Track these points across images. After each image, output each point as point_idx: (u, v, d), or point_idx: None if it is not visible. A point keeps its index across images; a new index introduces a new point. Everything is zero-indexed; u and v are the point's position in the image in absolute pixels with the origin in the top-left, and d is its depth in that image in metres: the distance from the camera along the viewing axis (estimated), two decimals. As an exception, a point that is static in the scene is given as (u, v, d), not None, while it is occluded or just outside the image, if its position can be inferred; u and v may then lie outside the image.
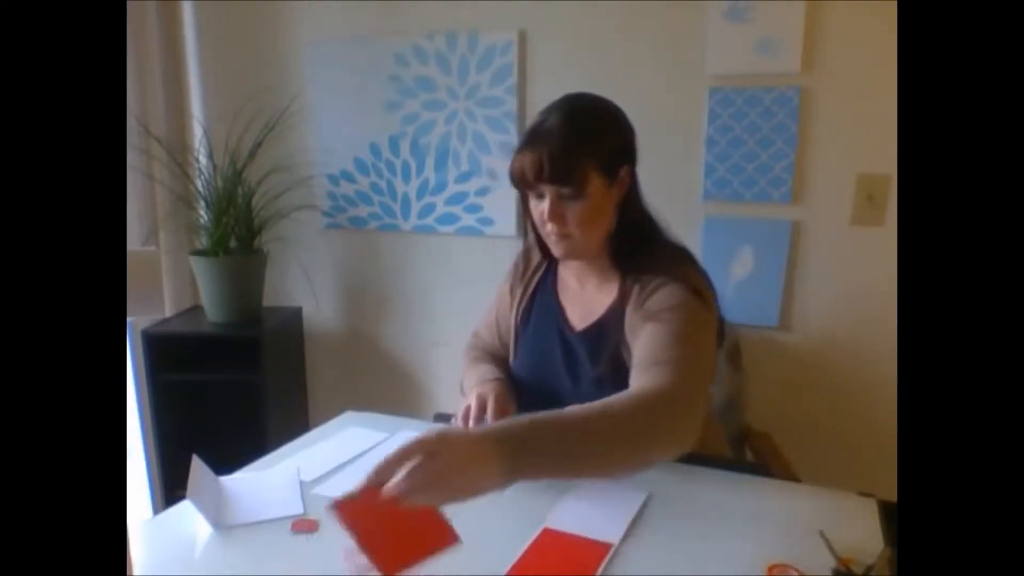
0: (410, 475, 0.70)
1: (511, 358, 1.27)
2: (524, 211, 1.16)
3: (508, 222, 1.95)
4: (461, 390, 1.25)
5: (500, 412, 1.07)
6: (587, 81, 1.79)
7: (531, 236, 1.23)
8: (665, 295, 1.06)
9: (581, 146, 1.03)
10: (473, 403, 1.08)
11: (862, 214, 1.67)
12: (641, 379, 0.96)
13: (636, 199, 1.13)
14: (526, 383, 1.21)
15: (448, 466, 0.71)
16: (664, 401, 0.91)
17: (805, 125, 1.67)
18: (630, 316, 1.08)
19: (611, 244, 1.13)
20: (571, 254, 1.13)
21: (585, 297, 1.18)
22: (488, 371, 1.21)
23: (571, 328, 1.18)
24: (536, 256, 1.26)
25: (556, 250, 1.12)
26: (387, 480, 0.70)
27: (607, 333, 1.13)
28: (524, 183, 1.07)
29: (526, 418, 0.80)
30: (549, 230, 1.08)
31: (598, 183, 1.05)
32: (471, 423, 1.05)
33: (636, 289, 1.09)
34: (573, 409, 0.84)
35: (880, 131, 1.62)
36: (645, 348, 1.01)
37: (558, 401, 1.12)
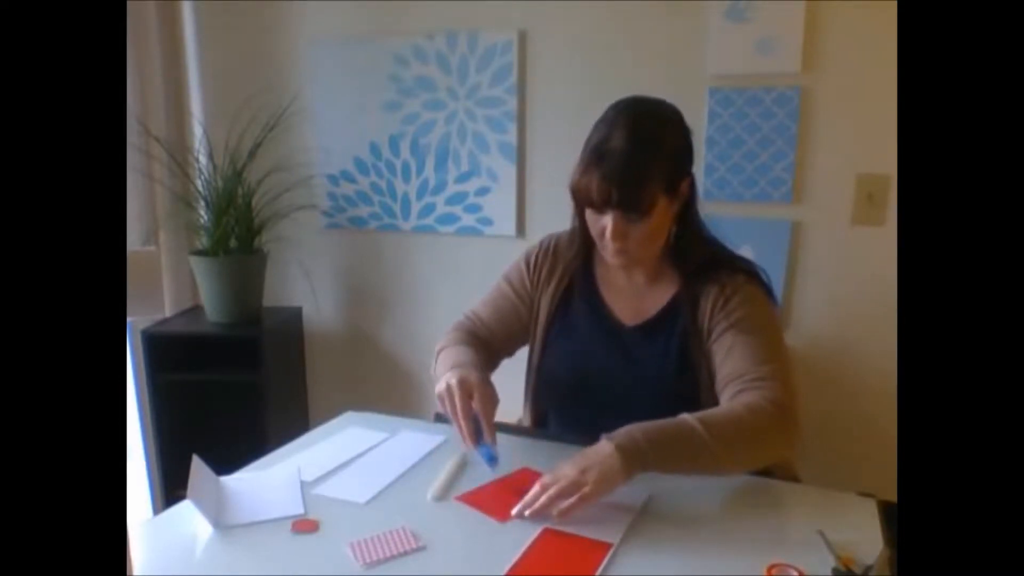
0: (569, 509, 0.89)
1: (535, 354, 1.25)
2: (580, 219, 1.15)
3: (508, 222, 1.95)
4: (436, 360, 1.22)
5: (486, 404, 1.04)
6: (587, 81, 1.82)
7: (568, 231, 1.23)
8: (748, 296, 1.10)
9: (649, 172, 1.02)
10: (457, 388, 1.04)
11: (862, 214, 1.67)
12: (746, 395, 1.01)
13: (695, 203, 1.14)
14: (565, 377, 1.20)
15: (594, 493, 0.90)
16: (776, 417, 0.98)
17: (805, 125, 1.67)
18: (710, 313, 1.10)
19: (669, 246, 1.14)
20: (628, 265, 1.14)
21: (634, 292, 1.18)
22: (471, 356, 1.15)
23: (622, 324, 1.17)
24: (570, 251, 1.23)
25: (613, 261, 1.12)
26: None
27: (669, 328, 1.13)
28: (588, 203, 1.07)
29: (651, 432, 0.94)
30: (608, 246, 1.08)
31: (662, 203, 1.05)
32: (457, 404, 1.03)
33: (714, 289, 1.10)
34: (694, 425, 0.95)
35: (880, 131, 1.62)
36: (742, 360, 1.04)
37: (609, 396, 1.15)
